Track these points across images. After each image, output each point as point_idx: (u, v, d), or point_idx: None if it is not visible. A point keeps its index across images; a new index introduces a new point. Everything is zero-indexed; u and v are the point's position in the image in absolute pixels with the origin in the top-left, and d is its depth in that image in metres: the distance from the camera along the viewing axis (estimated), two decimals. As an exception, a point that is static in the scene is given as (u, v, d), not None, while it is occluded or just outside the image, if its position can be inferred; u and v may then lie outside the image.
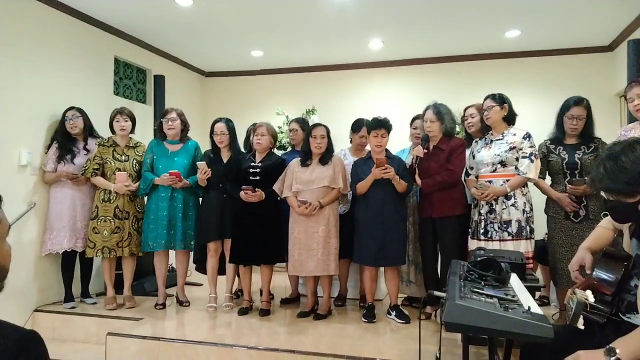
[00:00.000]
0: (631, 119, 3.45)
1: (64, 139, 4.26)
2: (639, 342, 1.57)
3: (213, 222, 4.09)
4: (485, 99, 3.59)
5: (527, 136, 3.45)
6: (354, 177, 3.84)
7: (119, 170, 4.18)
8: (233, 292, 4.35)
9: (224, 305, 4.14)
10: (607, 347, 1.55)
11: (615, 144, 1.88)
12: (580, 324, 1.62)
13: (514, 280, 2.16)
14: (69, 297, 4.28)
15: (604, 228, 2.22)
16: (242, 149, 4.34)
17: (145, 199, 4.30)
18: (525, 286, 2.15)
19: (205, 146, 4.48)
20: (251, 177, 3.98)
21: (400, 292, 4.09)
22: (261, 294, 4.12)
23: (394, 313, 3.83)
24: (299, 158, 3.99)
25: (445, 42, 5.73)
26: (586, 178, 3.37)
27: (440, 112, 3.69)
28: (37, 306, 4.24)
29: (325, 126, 3.95)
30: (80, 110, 4.33)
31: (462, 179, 3.74)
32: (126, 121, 4.29)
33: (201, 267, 4.39)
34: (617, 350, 1.52)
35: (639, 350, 1.55)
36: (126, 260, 4.29)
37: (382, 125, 3.74)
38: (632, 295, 1.86)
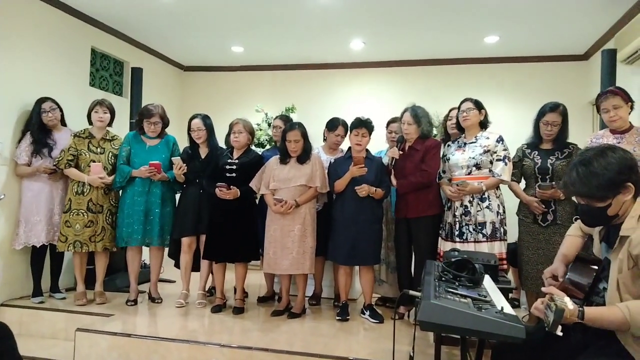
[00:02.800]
0: (603, 126, 3.53)
1: (40, 132, 4.15)
2: (601, 312, 1.75)
3: (189, 217, 4.06)
4: (464, 101, 3.63)
5: (500, 139, 3.52)
6: (333, 175, 3.84)
7: (94, 162, 4.10)
8: (206, 289, 4.31)
9: (197, 302, 4.09)
10: (579, 308, 1.71)
11: (587, 149, 1.94)
12: (559, 331, 1.65)
13: (487, 281, 2.19)
14: (37, 292, 4.18)
15: (573, 236, 2.28)
16: (224, 145, 4.28)
17: (120, 192, 4.23)
18: (498, 287, 2.18)
19: (182, 140, 4.42)
20: (227, 174, 3.94)
21: (374, 292, 4.10)
22: (235, 292, 4.09)
23: (367, 312, 3.84)
24: (279, 156, 3.97)
25: (425, 45, 5.79)
26: (554, 183, 3.44)
27: (417, 115, 3.72)
28: (4, 300, 4.13)
29: (300, 128, 3.88)
30: (54, 100, 4.24)
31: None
32: (105, 113, 4.20)
33: (179, 263, 4.34)
34: (585, 310, 1.72)
35: (597, 317, 1.72)
36: (99, 255, 4.20)
37: (363, 125, 3.77)
38: (601, 298, 1.91)
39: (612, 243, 1.88)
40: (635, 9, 4.33)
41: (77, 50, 5.03)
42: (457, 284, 2.03)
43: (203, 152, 4.18)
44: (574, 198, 2.69)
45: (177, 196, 4.31)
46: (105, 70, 5.65)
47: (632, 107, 3.28)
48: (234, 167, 3.97)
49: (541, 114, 3.57)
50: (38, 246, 4.11)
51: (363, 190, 3.65)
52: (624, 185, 1.80)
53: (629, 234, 1.79)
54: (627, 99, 3.23)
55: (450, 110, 4.09)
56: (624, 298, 1.78)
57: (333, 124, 4.15)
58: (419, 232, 3.69)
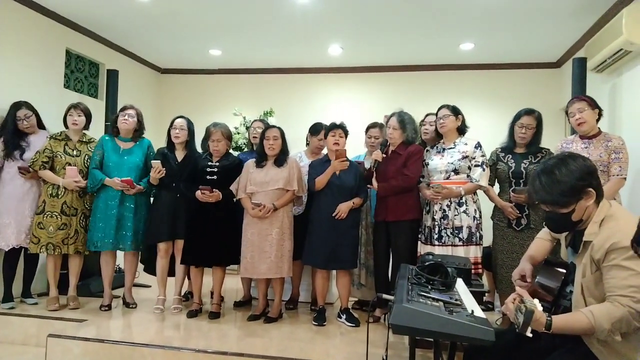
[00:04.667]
0: (574, 132, 3.63)
1: (14, 137, 4.08)
2: (567, 320, 1.79)
3: (164, 222, 4.01)
4: (441, 108, 3.70)
5: (478, 145, 3.59)
6: (311, 179, 3.86)
7: (69, 165, 4.04)
8: (182, 294, 4.27)
9: (173, 307, 4.05)
10: (547, 318, 1.75)
11: (549, 158, 2.01)
12: (529, 332, 1.69)
13: (460, 284, 2.23)
14: (7, 297, 4.08)
15: (542, 239, 2.34)
16: (200, 149, 4.25)
17: (94, 194, 4.16)
18: (471, 291, 2.22)
19: (158, 144, 4.38)
20: (208, 177, 3.92)
21: (351, 296, 4.12)
22: (211, 297, 4.06)
23: (344, 316, 3.86)
24: (255, 159, 3.97)
25: (402, 51, 5.85)
26: (528, 187, 3.50)
27: (403, 121, 3.76)
28: (-29, 306, 4.04)
29: (279, 128, 3.95)
30: (29, 106, 4.16)
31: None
32: (79, 116, 4.14)
33: (150, 268, 4.28)
34: (552, 319, 1.76)
35: (564, 326, 1.76)
36: (72, 259, 4.13)
37: (339, 127, 3.83)
38: (568, 301, 1.97)
39: (577, 248, 1.94)
40: (603, 19, 4.45)
41: (51, 51, 4.95)
42: (429, 287, 2.05)
43: (179, 154, 4.14)
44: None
45: (152, 199, 4.26)
46: (80, 72, 5.57)
47: (600, 115, 3.39)
48: (215, 170, 3.95)
49: (517, 117, 3.65)
50: (7, 250, 4.02)
51: (341, 213, 3.70)
52: (585, 191, 1.87)
53: (592, 239, 1.85)
54: (594, 105, 3.35)
55: (426, 116, 4.14)
56: (588, 301, 1.84)
57: (316, 129, 4.18)
58: (398, 236, 3.72)
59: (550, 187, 1.88)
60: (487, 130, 4.36)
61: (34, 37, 4.69)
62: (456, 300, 1.94)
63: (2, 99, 4.18)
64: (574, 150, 3.35)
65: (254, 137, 4.47)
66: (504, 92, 6.08)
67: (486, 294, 4.18)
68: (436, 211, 3.59)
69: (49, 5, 4.74)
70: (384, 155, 3.81)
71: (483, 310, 1.94)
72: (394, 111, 3.85)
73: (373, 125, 4.25)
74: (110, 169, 4.05)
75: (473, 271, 2.99)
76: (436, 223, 3.58)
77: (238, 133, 6.00)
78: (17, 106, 4.11)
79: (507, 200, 3.60)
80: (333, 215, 3.70)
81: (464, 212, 3.52)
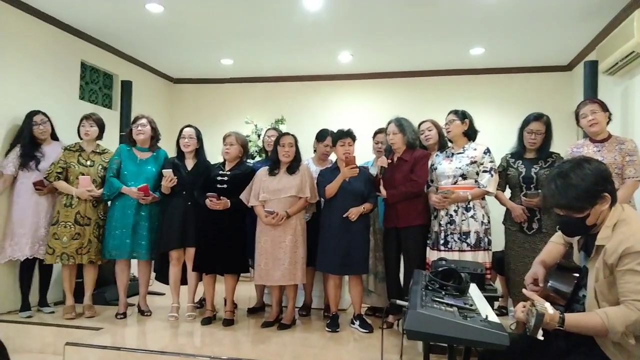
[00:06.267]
0: (585, 136, 3.61)
1: (30, 145, 4.15)
2: (580, 318, 1.81)
3: (175, 230, 4.04)
4: (449, 113, 3.71)
5: (487, 151, 3.59)
6: (321, 187, 3.88)
7: (83, 175, 4.10)
8: (196, 301, 4.30)
9: (187, 315, 4.08)
10: (560, 315, 1.77)
11: (564, 162, 2.00)
12: (540, 335, 1.70)
13: (473, 290, 2.23)
14: (25, 306, 4.14)
15: (555, 243, 2.33)
16: (221, 159, 4.28)
17: (109, 204, 4.22)
18: (484, 296, 2.22)
19: (172, 154, 4.43)
20: (218, 185, 3.96)
21: (362, 303, 4.12)
22: (225, 304, 4.09)
23: (357, 322, 3.86)
24: (267, 167, 4.00)
25: (412, 57, 5.86)
26: (540, 191, 3.49)
27: (402, 124, 3.79)
28: (-9, 315, 4.10)
29: (293, 135, 3.98)
30: (45, 114, 4.24)
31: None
32: (91, 126, 4.20)
33: (162, 277, 4.32)
34: (565, 316, 1.78)
35: (577, 324, 1.78)
36: (87, 268, 4.18)
37: (347, 135, 3.85)
38: (581, 305, 1.96)
39: (590, 252, 1.94)
40: (615, 22, 4.43)
41: (66, 63, 5.04)
42: (443, 293, 2.06)
43: (189, 163, 4.17)
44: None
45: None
46: (94, 84, 5.65)
47: (610, 118, 3.39)
48: (225, 178, 3.99)
49: (525, 123, 3.65)
50: (22, 259, 4.08)
51: (352, 214, 3.71)
52: (601, 196, 1.86)
53: (604, 244, 1.85)
54: (605, 108, 3.35)
55: (420, 124, 4.13)
56: (601, 305, 1.83)
57: (322, 135, 4.21)
58: (408, 241, 3.72)
59: (565, 190, 1.87)
60: (498, 134, 4.36)
61: (49, 50, 4.78)
62: (470, 305, 1.94)
63: (18, 111, 4.25)
64: (585, 154, 3.34)
65: (268, 145, 4.51)
66: (515, 96, 6.05)
67: (499, 299, 4.15)
68: (442, 216, 3.59)
69: (64, 19, 4.83)
70: (389, 161, 3.83)
71: (496, 314, 1.94)
72: (391, 118, 3.87)
73: (380, 131, 4.27)
74: (127, 177, 4.10)
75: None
76: (442, 228, 3.58)
77: (250, 141, 6.04)
78: (33, 113, 4.20)
79: (518, 204, 3.60)
80: (344, 216, 3.71)
81: (472, 217, 3.51)
